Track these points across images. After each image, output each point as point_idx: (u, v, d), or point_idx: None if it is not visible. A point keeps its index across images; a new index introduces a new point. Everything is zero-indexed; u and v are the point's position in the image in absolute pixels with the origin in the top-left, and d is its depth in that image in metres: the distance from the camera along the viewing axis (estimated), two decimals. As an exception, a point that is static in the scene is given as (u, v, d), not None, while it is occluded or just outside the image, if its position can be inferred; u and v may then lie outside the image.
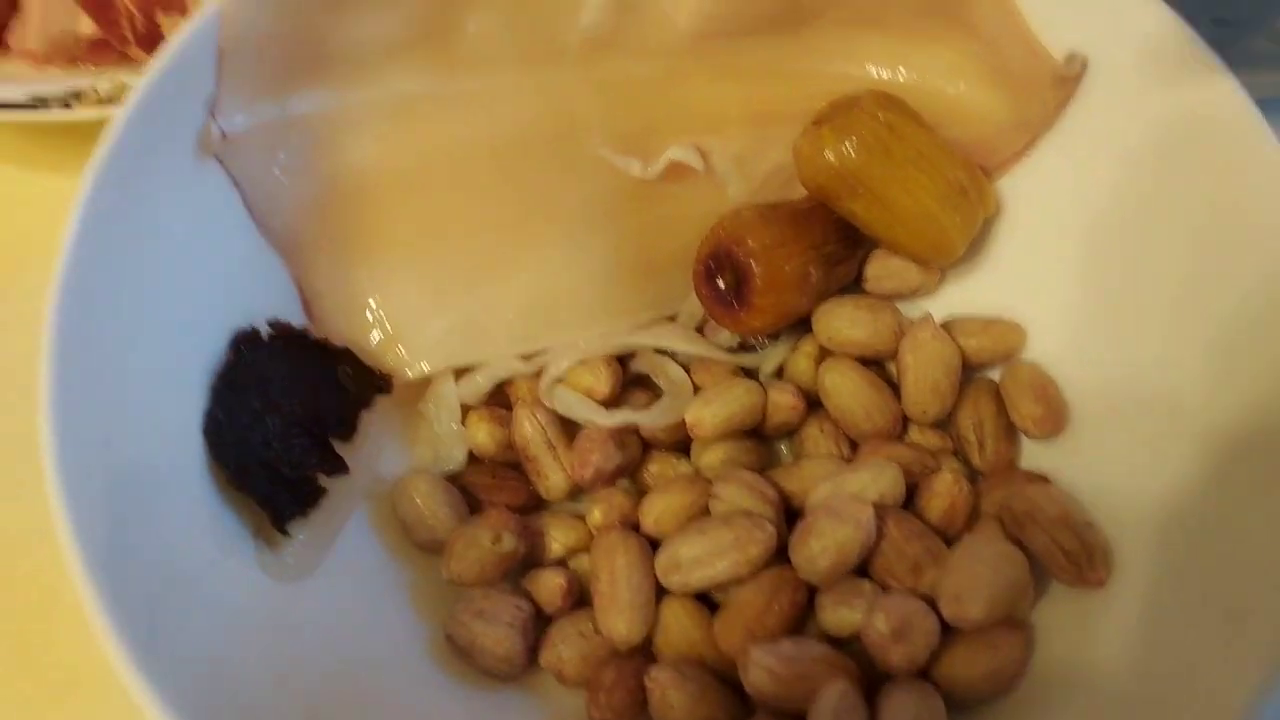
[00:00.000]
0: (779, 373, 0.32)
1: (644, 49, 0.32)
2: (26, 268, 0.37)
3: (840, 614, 0.25)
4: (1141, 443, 0.26)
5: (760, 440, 0.31)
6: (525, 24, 0.31)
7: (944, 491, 0.26)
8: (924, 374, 0.28)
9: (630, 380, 0.31)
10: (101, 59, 0.40)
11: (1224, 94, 0.25)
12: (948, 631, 0.23)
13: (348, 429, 0.29)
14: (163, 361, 0.25)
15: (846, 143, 0.27)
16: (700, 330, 0.32)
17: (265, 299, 0.28)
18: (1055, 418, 0.28)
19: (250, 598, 0.25)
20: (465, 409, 0.31)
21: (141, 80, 0.24)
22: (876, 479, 0.26)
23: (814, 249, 0.30)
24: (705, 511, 0.28)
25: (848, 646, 0.25)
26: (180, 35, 0.25)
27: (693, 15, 0.31)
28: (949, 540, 0.26)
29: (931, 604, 0.23)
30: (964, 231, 0.29)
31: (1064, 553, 0.24)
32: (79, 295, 0.23)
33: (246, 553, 0.25)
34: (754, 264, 0.29)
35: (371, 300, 0.30)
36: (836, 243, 0.30)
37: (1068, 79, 0.28)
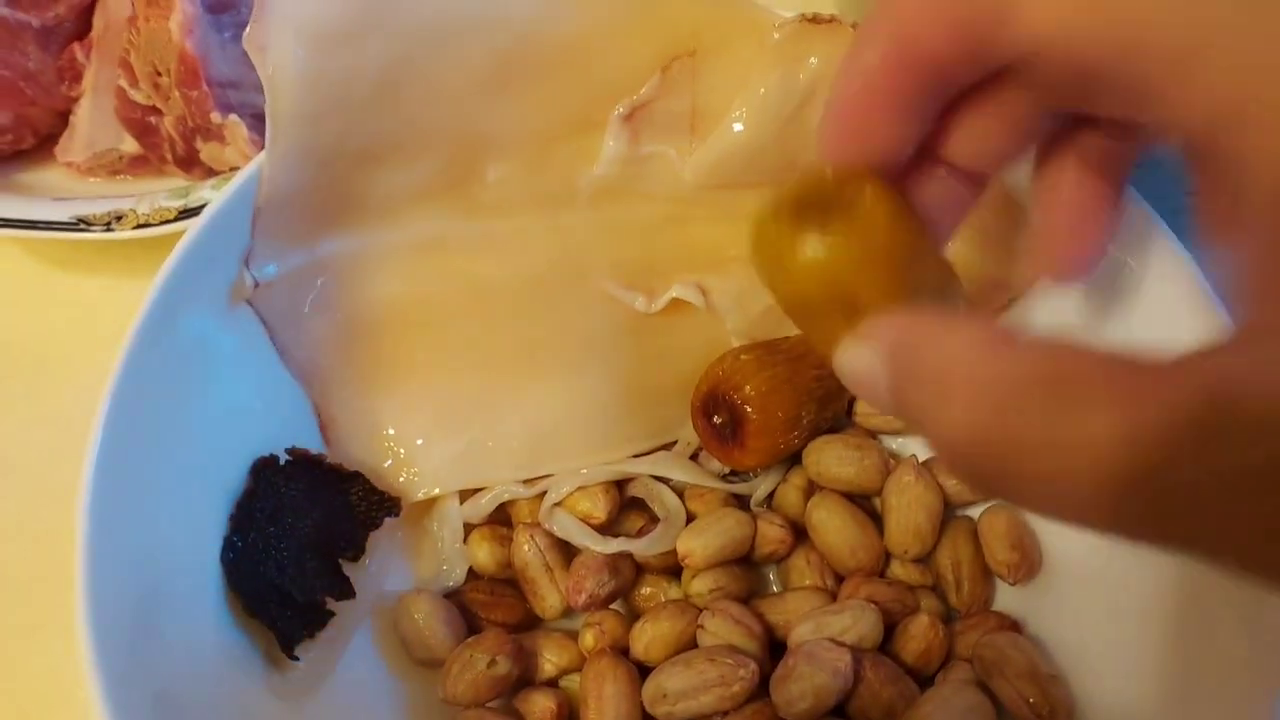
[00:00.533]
0: (768, 499, 0.33)
1: (650, 195, 0.34)
2: (55, 364, 0.39)
3: (817, 755, 0.26)
4: (1111, 590, 0.28)
5: (749, 565, 0.32)
6: (542, 173, 0.33)
7: (920, 635, 0.28)
8: (907, 517, 0.30)
9: (627, 503, 0.33)
10: (140, 172, 0.43)
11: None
12: (918, 777, 0.25)
13: (356, 550, 0.30)
14: (190, 488, 0.27)
15: None
16: (695, 456, 0.34)
17: (285, 427, 0.30)
18: (1029, 565, 0.29)
19: (255, 715, 0.26)
20: (468, 527, 0.32)
21: (182, 241, 0.27)
22: (857, 622, 0.27)
23: (807, 392, 0.32)
24: (693, 640, 0.29)
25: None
26: (220, 196, 0.28)
27: (698, 171, 0.33)
28: (922, 681, 0.27)
29: (903, 750, 0.25)
30: None
31: (1028, 705, 0.25)
32: (120, 424, 0.25)
33: (255, 672, 0.27)
34: (749, 410, 0.30)
35: (386, 426, 0.32)
36: (830, 380, 0.32)
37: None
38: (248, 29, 0.26)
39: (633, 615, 0.31)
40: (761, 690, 0.27)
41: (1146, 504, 0.14)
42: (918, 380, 0.16)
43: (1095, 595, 0.28)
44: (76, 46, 0.43)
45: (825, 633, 0.27)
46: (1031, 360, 0.15)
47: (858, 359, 0.18)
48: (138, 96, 0.40)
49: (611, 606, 0.31)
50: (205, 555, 0.27)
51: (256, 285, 0.28)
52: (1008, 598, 0.30)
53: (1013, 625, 0.28)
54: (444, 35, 0.30)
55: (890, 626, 0.28)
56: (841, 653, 0.26)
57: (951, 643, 0.28)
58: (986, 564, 0.30)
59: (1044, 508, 0.15)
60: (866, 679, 0.26)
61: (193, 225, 0.27)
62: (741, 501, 0.33)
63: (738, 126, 0.33)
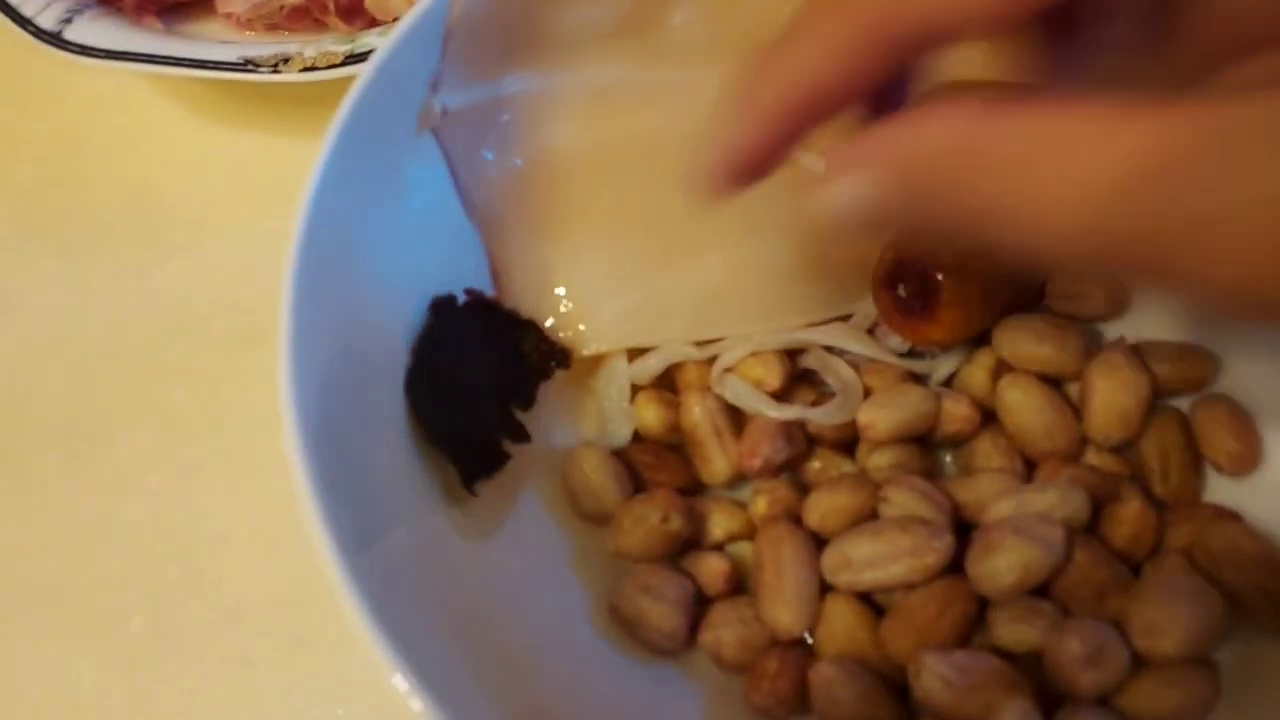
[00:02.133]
0: (947, 382, 0.31)
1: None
2: (212, 216, 0.40)
3: (1019, 631, 0.24)
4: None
5: (926, 447, 0.31)
6: (728, 19, 0.31)
7: (1131, 519, 0.26)
8: (1114, 399, 0.28)
9: (798, 374, 0.32)
10: (299, 26, 0.42)
11: None
12: (1134, 663, 0.23)
13: (528, 399, 0.30)
14: (377, 314, 0.26)
15: None
16: (870, 331, 0.32)
17: (461, 269, 0.29)
18: (1252, 455, 0.27)
19: (436, 549, 0.26)
20: (635, 389, 0.31)
21: (373, 56, 0.26)
22: (1064, 500, 0.25)
23: (1002, 268, 0.29)
24: (872, 514, 0.28)
25: (1017, 665, 0.25)
26: (412, 13, 0.27)
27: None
28: (1132, 569, 0.26)
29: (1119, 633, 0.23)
30: None
31: (1266, 596, 0.23)
32: (319, 231, 0.24)
33: (435, 503, 0.27)
34: (944, 278, 0.28)
35: (557, 278, 0.31)
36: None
37: None
38: None
39: (802, 489, 0.30)
40: (949, 568, 0.26)
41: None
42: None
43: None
44: (241, -109, 0.42)
45: (1029, 508, 0.25)
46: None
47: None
48: (301, -59, 0.39)
49: (783, 477, 0.30)
50: (394, 382, 0.26)
51: (444, 113, 0.27)
52: (1219, 494, 0.28)
53: (1233, 516, 0.26)
54: None
55: (1093, 513, 0.27)
56: (1054, 528, 0.24)
57: (1161, 535, 0.26)
58: (1197, 454, 0.28)
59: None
60: (1077, 559, 0.24)
61: (382, 44, 0.26)
62: (920, 381, 0.31)
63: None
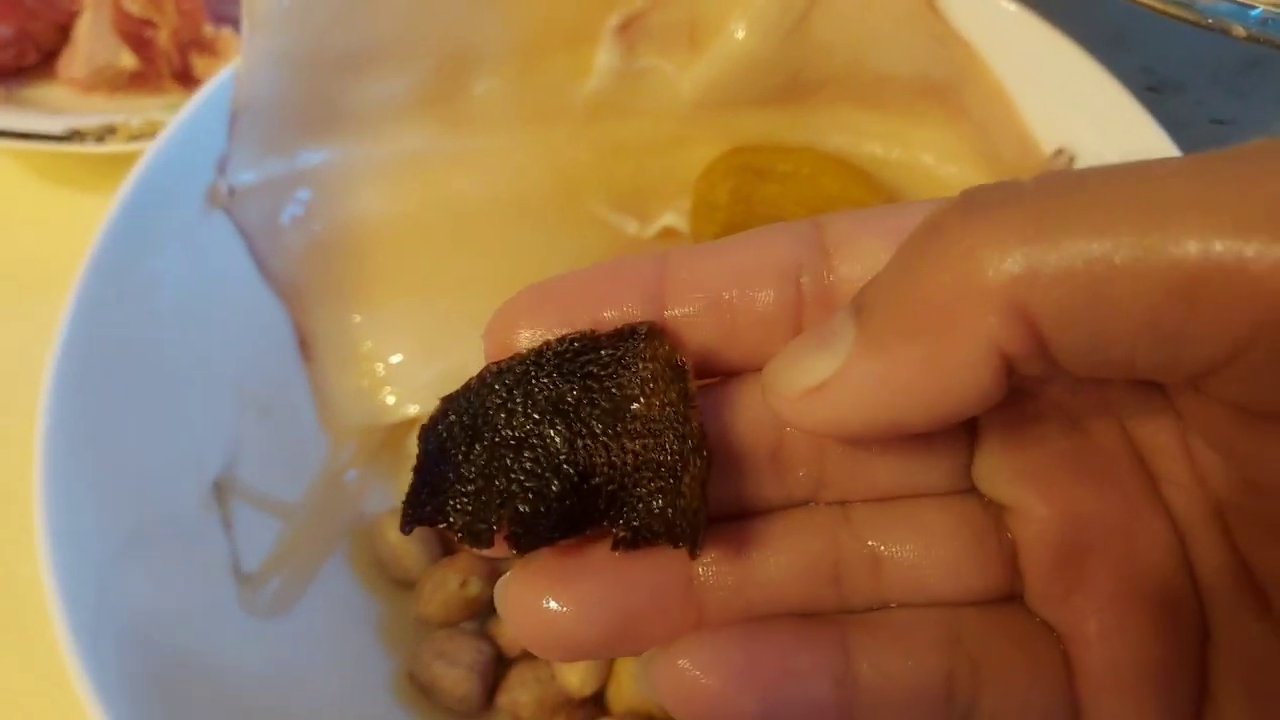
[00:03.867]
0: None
1: (645, 113, 0.33)
2: (40, 281, 0.39)
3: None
4: None
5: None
6: (531, 87, 0.32)
7: None
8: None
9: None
10: (140, 89, 0.43)
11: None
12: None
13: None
14: (168, 402, 0.27)
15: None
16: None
17: (264, 342, 0.30)
18: None
19: (226, 633, 0.26)
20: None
21: (153, 142, 0.26)
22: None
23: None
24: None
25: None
26: (195, 98, 0.27)
27: (696, 85, 0.32)
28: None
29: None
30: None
31: None
32: (83, 338, 0.24)
33: (226, 587, 0.27)
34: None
35: (368, 344, 0.31)
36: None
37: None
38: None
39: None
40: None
41: None
42: None
43: None
44: (78, -41, 0.42)
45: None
46: None
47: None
48: (133, 8, 0.39)
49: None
50: (183, 473, 0.26)
51: (232, 192, 0.28)
52: None
53: None
54: (428, -64, 0.29)
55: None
56: None
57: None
58: None
59: None
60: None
61: (166, 127, 0.27)
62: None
63: (738, 36, 0.31)
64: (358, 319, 0.31)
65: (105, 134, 0.36)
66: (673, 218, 0.33)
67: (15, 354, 0.37)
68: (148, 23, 0.39)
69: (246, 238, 0.29)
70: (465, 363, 0.32)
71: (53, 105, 0.43)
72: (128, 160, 0.37)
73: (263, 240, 0.29)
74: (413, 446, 0.33)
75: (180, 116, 0.27)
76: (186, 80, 0.40)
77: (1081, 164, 0.29)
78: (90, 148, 0.36)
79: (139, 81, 0.42)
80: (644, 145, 0.34)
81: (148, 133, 0.36)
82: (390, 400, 0.32)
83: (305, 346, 0.31)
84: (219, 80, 0.27)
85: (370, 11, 0.29)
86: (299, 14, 0.27)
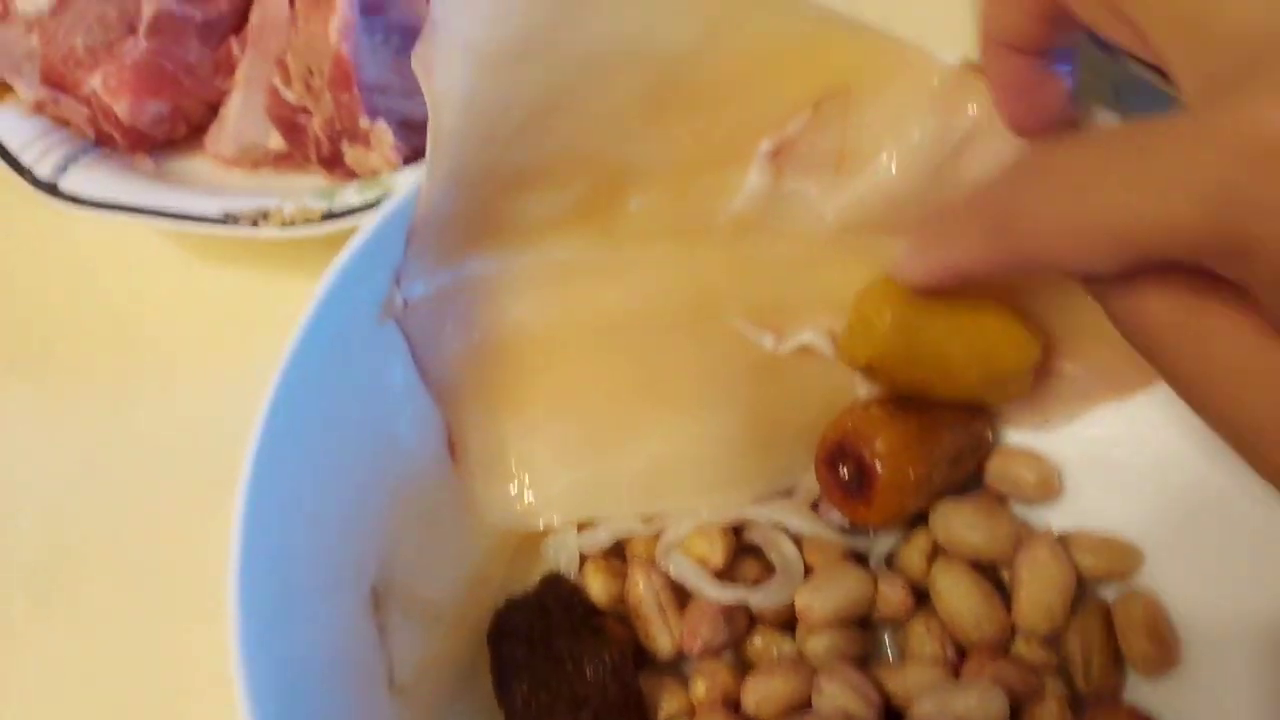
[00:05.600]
0: (888, 559, 0.32)
1: (788, 234, 0.34)
2: (192, 360, 0.41)
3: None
4: (1258, 687, 0.26)
5: (863, 627, 0.31)
6: (682, 204, 0.33)
7: (1049, 722, 0.27)
8: (1039, 595, 0.29)
9: (743, 548, 0.33)
10: (283, 168, 0.44)
11: None
12: None
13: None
14: (340, 494, 0.28)
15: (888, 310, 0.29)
16: (814, 505, 0.33)
17: (419, 447, 0.31)
18: (1167, 658, 0.28)
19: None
20: (582, 558, 0.32)
21: (338, 257, 0.27)
22: (983, 704, 0.26)
23: (939, 450, 0.31)
24: (807, 700, 0.28)
25: None
26: (376, 214, 0.28)
27: (839, 211, 0.33)
28: (1049, 774, 0.26)
29: None
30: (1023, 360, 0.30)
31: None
32: (280, 425, 0.26)
33: (378, 691, 0.27)
34: (879, 465, 0.30)
35: (511, 450, 0.32)
36: (961, 443, 0.31)
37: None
38: (416, 47, 0.26)
39: (743, 665, 0.31)
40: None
41: None
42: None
43: (1239, 696, 0.27)
44: (233, 40, 0.44)
45: (950, 710, 0.26)
46: None
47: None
48: (289, 96, 0.41)
49: (723, 656, 0.31)
50: (352, 551, 0.27)
51: (406, 304, 0.29)
52: (1141, 691, 0.29)
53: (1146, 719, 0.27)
54: (603, 64, 0.30)
55: (1014, 709, 0.27)
56: (969, 737, 0.25)
57: (1079, 733, 0.27)
58: (1118, 650, 0.29)
59: None
60: (994, 766, 0.25)
61: (349, 242, 0.28)
62: (861, 557, 0.32)
63: (888, 170, 0.32)
64: (504, 425, 0.32)
65: (259, 218, 0.38)
66: (810, 335, 0.34)
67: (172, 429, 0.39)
68: (303, 109, 0.41)
69: (412, 345, 0.30)
70: (602, 469, 0.33)
71: (196, 178, 0.44)
72: (268, 245, 0.39)
73: (426, 348, 0.30)
74: (549, 551, 0.33)
75: (367, 227, 0.28)
76: (333, 166, 0.41)
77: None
78: (245, 232, 0.38)
79: (283, 161, 0.44)
80: (783, 264, 0.34)
81: (299, 219, 0.38)
82: (531, 503, 0.32)
83: (454, 449, 0.32)
84: (401, 197, 0.28)
85: (546, 132, 0.30)
86: (482, 135, 0.29)
